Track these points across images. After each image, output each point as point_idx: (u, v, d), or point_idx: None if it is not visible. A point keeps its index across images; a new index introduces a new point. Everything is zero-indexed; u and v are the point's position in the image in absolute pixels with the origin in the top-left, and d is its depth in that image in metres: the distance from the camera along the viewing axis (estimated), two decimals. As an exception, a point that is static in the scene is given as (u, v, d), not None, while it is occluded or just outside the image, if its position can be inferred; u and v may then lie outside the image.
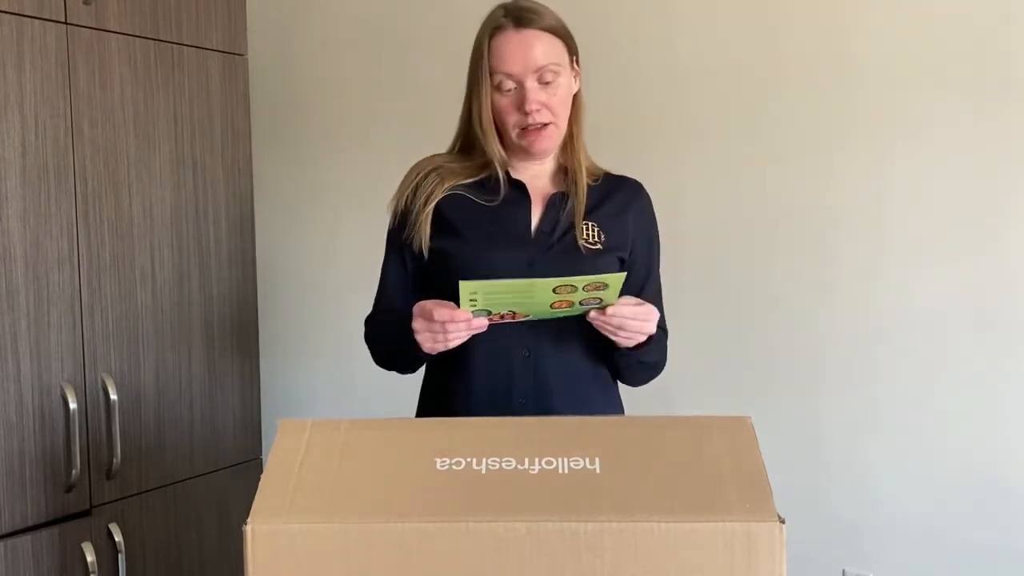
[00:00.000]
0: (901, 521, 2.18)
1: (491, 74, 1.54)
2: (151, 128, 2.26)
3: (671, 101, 2.38)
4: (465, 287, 1.36)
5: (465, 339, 1.46)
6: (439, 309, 1.42)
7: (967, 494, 2.11)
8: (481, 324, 1.44)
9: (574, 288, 1.37)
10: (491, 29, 1.55)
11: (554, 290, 1.37)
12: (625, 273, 1.41)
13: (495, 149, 1.57)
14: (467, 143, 1.63)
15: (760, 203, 2.29)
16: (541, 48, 1.53)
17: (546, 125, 1.55)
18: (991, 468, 2.09)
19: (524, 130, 1.55)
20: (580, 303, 1.42)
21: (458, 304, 1.40)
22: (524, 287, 1.37)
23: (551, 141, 1.57)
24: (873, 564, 2.22)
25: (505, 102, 1.54)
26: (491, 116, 1.55)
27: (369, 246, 1.88)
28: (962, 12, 2.05)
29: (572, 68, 1.59)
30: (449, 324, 1.41)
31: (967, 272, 2.09)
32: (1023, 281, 2.04)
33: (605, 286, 1.38)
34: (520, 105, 1.53)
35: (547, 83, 1.54)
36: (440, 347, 1.46)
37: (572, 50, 1.59)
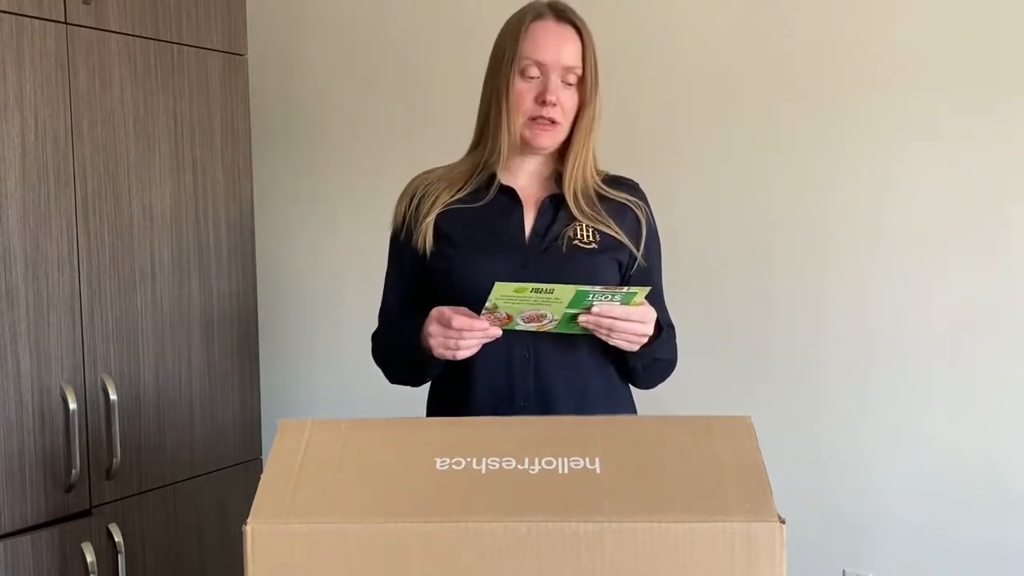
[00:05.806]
0: (901, 521, 2.18)
1: (519, 59, 1.53)
2: (151, 128, 2.25)
3: (670, 101, 2.38)
4: (498, 288, 1.37)
5: (476, 350, 1.47)
6: (458, 317, 1.44)
7: (967, 494, 2.12)
8: (495, 333, 1.46)
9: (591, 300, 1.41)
10: (533, 15, 1.56)
11: (574, 300, 1.40)
12: (648, 288, 1.44)
13: (514, 127, 1.55)
14: (479, 136, 1.62)
15: (760, 203, 2.29)
16: (575, 48, 1.55)
17: (554, 123, 1.55)
18: (991, 468, 2.09)
19: (533, 120, 1.55)
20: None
21: (476, 311, 1.43)
22: (547, 289, 1.38)
23: (553, 139, 1.57)
24: (873, 564, 2.22)
25: (525, 87, 1.54)
26: (515, 98, 1.54)
27: (369, 246, 1.88)
28: (963, 11, 2.05)
29: (581, 86, 1.58)
30: (466, 331, 1.43)
31: (968, 271, 2.09)
32: None
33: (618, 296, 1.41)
34: (539, 94, 1.54)
35: (569, 84, 1.55)
36: (448, 355, 1.47)
37: (592, 72, 1.57)
